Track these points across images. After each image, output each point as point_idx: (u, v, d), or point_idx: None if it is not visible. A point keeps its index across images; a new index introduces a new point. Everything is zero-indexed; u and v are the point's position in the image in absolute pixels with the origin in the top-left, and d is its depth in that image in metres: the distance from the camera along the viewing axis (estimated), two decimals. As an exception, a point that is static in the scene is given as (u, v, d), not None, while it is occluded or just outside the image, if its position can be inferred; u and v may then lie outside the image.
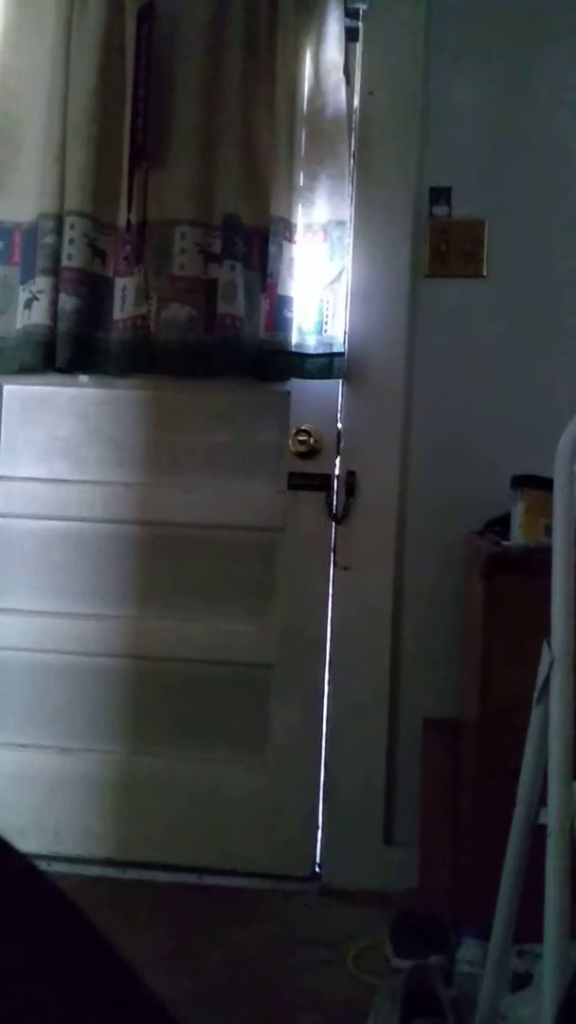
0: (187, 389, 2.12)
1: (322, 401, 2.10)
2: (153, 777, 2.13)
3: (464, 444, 2.09)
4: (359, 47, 2.11)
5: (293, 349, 2.02)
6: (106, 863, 2.10)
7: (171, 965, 1.68)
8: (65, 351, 2.01)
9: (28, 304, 2.05)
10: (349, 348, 2.08)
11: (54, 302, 2.02)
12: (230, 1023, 1.54)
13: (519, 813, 1.20)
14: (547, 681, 1.11)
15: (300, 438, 2.09)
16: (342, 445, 2.10)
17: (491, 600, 1.65)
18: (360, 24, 2.11)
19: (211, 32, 2.03)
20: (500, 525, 1.84)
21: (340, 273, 2.04)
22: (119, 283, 2.06)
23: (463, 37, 2.10)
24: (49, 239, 2.02)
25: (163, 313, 2.03)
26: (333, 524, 2.10)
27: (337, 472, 2.10)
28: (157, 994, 0.37)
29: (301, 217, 2.04)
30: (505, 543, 1.75)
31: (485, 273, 2.09)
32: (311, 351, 2.03)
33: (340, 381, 2.09)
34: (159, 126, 2.04)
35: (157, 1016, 0.36)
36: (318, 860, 2.10)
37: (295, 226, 2.02)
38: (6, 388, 2.20)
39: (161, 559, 2.16)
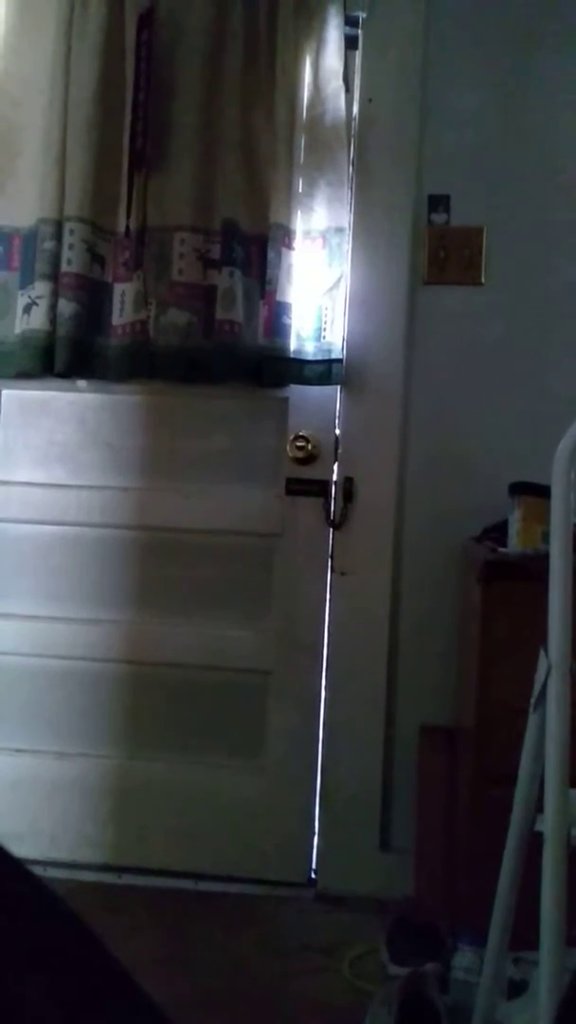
0: (185, 394, 2.13)
1: (320, 407, 2.10)
2: (150, 782, 2.13)
3: (462, 451, 2.09)
4: (358, 55, 2.12)
5: (291, 355, 2.02)
6: (102, 868, 2.10)
7: (167, 970, 1.68)
8: (64, 356, 2.01)
9: (27, 309, 2.05)
10: (347, 354, 2.08)
11: (53, 307, 2.02)
12: (225, 1030, 1.53)
13: (515, 820, 1.20)
14: (544, 688, 1.11)
15: (298, 444, 2.09)
16: (340, 451, 2.11)
17: (488, 606, 1.65)
18: (359, 32, 2.12)
19: (211, 38, 2.04)
20: (498, 532, 1.84)
21: (339, 280, 2.05)
22: (118, 288, 2.07)
23: (462, 45, 2.11)
24: (48, 244, 2.03)
25: (162, 319, 2.03)
26: (331, 530, 2.10)
27: (335, 478, 2.10)
28: (152, 998, 0.37)
29: (300, 224, 2.04)
30: (502, 550, 1.75)
31: (483, 280, 2.10)
32: (309, 357, 2.04)
33: (338, 387, 2.09)
34: (159, 132, 2.05)
35: (153, 1019, 0.36)
36: (314, 866, 2.09)
37: (294, 232, 2.03)
38: (4, 393, 2.20)
39: (159, 564, 2.16)
